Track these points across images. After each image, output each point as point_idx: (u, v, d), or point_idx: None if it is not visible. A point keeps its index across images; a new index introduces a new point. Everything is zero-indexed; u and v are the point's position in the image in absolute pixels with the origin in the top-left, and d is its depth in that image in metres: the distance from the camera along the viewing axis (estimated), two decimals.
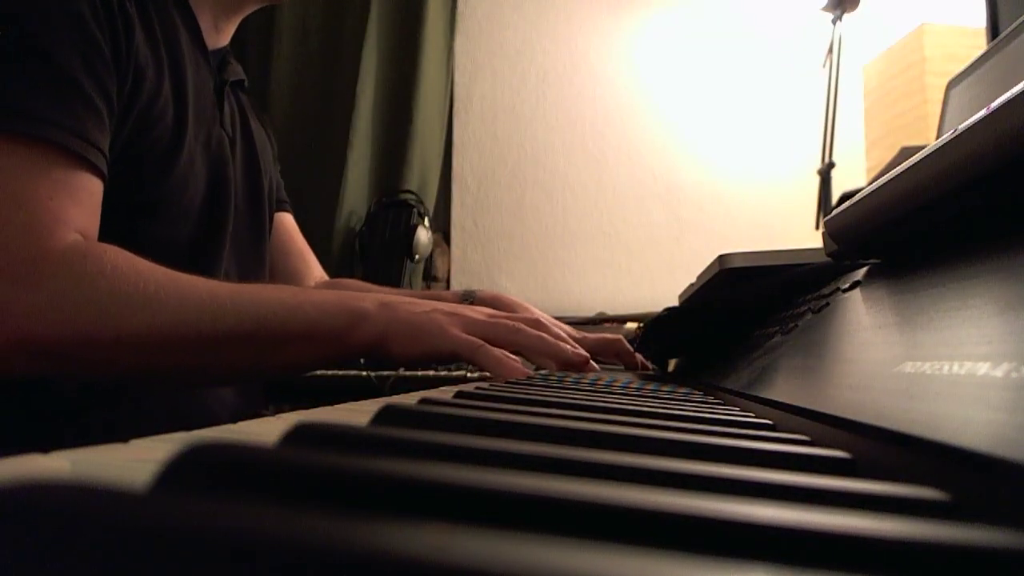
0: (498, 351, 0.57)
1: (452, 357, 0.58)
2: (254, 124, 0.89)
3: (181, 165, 0.69)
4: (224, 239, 0.77)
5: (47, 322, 0.50)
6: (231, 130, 0.80)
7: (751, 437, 0.23)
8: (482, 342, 0.57)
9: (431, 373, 1.22)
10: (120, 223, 0.61)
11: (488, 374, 0.56)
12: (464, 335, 0.57)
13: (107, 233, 0.57)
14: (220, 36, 0.82)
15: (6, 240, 0.51)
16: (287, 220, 1.00)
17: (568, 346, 0.61)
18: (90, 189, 0.58)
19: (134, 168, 0.65)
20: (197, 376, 0.61)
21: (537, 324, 0.63)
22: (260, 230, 0.87)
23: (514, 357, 0.58)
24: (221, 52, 0.82)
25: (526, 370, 0.56)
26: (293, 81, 1.95)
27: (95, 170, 0.58)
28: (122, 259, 0.53)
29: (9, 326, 0.50)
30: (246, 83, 0.90)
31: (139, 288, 0.52)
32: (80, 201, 0.56)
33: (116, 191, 0.63)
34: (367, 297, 0.61)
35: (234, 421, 0.23)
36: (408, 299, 0.64)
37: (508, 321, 0.61)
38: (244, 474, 0.12)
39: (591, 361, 0.64)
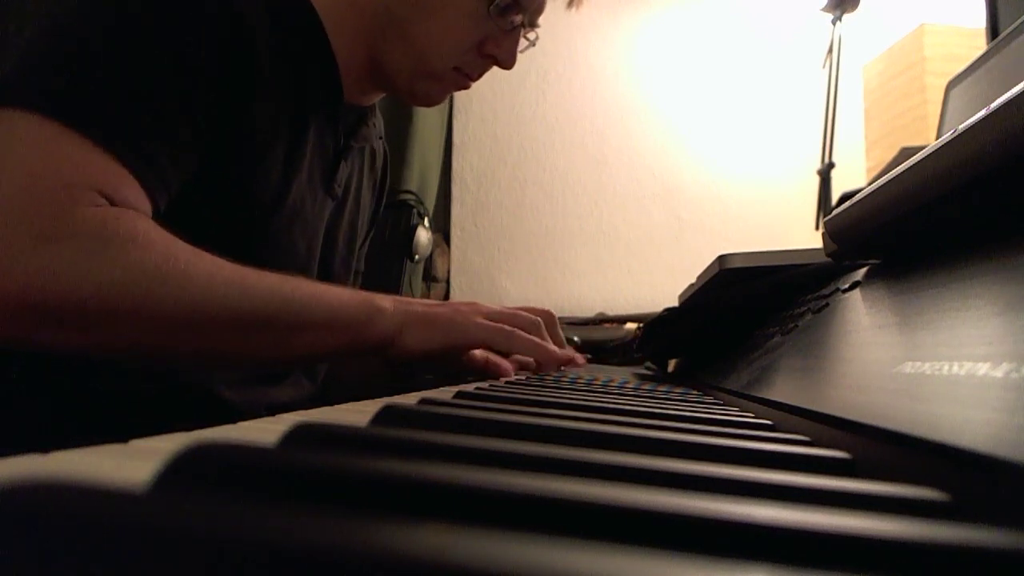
0: (530, 339, 0.58)
1: (480, 346, 0.58)
2: (367, 184, 0.87)
3: (277, 227, 0.68)
4: None
5: (65, 281, 0.46)
6: (340, 192, 0.78)
7: (750, 437, 0.23)
8: (513, 328, 0.58)
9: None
10: None
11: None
12: (492, 323, 0.58)
13: None
14: (362, 97, 0.79)
15: (38, 194, 0.47)
16: None
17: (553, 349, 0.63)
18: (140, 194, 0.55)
19: (228, 223, 0.64)
20: (215, 359, 0.58)
21: (545, 321, 0.65)
22: None
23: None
24: (359, 111, 0.79)
25: (570, 356, 0.57)
26: None
27: (146, 186, 0.55)
28: (155, 231, 0.51)
29: (22, 282, 0.45)
30: (373, 147, 0.87)
31: (169, 261, 0.49)
32: (125, 184, 0.52)
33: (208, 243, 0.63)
34: (383, 296, 0.62)
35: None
36: (422, 300, 0.64)
37: (523, 313, 0.63)
38: (244, 474, 0.12)
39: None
